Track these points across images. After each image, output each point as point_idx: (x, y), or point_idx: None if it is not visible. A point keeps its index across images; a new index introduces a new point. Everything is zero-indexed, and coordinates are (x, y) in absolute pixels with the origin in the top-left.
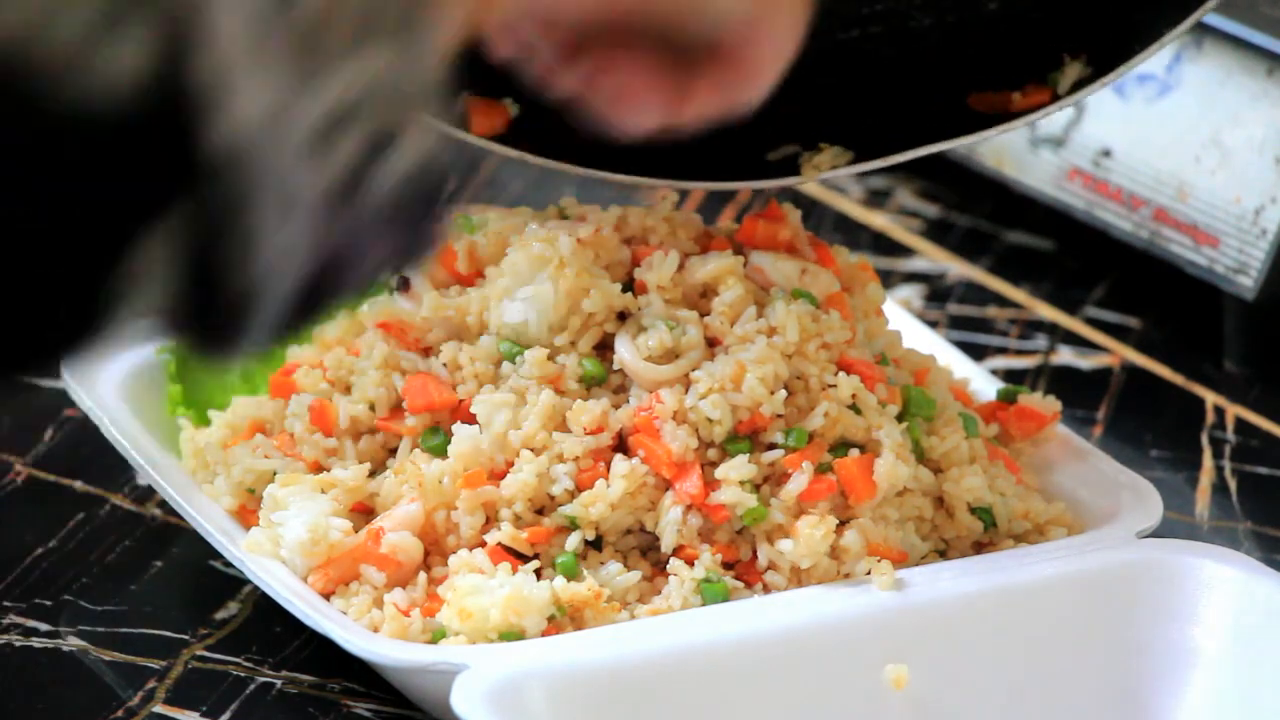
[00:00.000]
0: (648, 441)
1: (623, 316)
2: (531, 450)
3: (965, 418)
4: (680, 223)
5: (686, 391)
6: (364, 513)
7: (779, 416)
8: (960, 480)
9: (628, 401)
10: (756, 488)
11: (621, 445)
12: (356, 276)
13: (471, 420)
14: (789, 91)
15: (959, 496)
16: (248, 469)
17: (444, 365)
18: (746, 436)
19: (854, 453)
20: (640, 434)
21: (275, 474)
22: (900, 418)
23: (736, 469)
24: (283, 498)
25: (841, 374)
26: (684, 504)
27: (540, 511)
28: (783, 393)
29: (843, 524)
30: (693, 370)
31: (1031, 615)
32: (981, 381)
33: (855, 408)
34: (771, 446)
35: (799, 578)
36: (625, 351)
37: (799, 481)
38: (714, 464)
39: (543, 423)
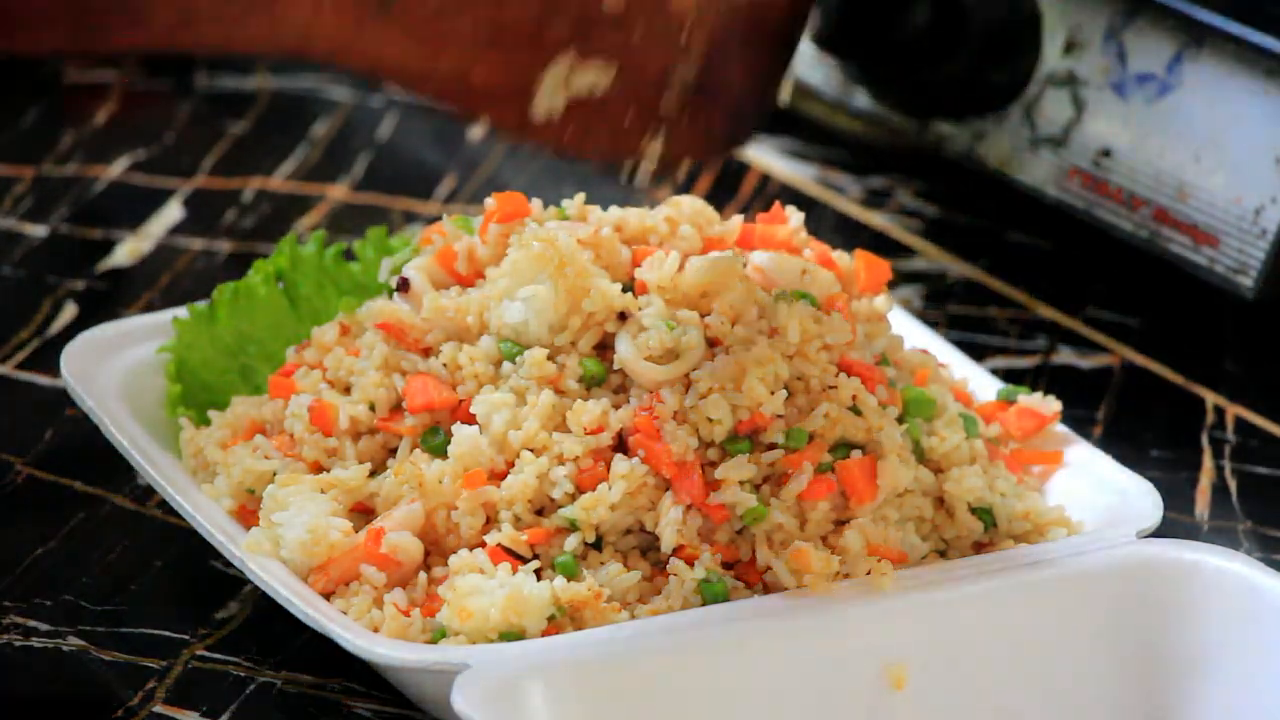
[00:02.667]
0: (648, 441)
1: (623, 317)
2: (531, 451)
3: (965, 418)
4: (688, 215)
5: (687, 392)
6: (364, 513)
7: (779, 417)
8: (961, 480)
9: (628, 402)
10: (756, 488)
11: (621, 445)
12: None
13: (472, 420)
14: None
15: (959, 497)
16: (247, 470)
17: (444, 365)
18: (747, 437)
19: (855, 454)
20: (640, 434)
21: (275, 474)
22: (900, 419)
23: (736, 469)
24: (283, 498)
25: (842, 375)
26: (684, 504)
27: (540, 512)
28: (783, 393)
29: (842, 524)
30: (693, 370)
31: (1031, 615)
32: (981, 381)
33: (856, 409)
34: (772, 447)
35: (799, 578)
36: (626, 351)
37: (799, 481)
38: (714, 464)
39: (542, 423)
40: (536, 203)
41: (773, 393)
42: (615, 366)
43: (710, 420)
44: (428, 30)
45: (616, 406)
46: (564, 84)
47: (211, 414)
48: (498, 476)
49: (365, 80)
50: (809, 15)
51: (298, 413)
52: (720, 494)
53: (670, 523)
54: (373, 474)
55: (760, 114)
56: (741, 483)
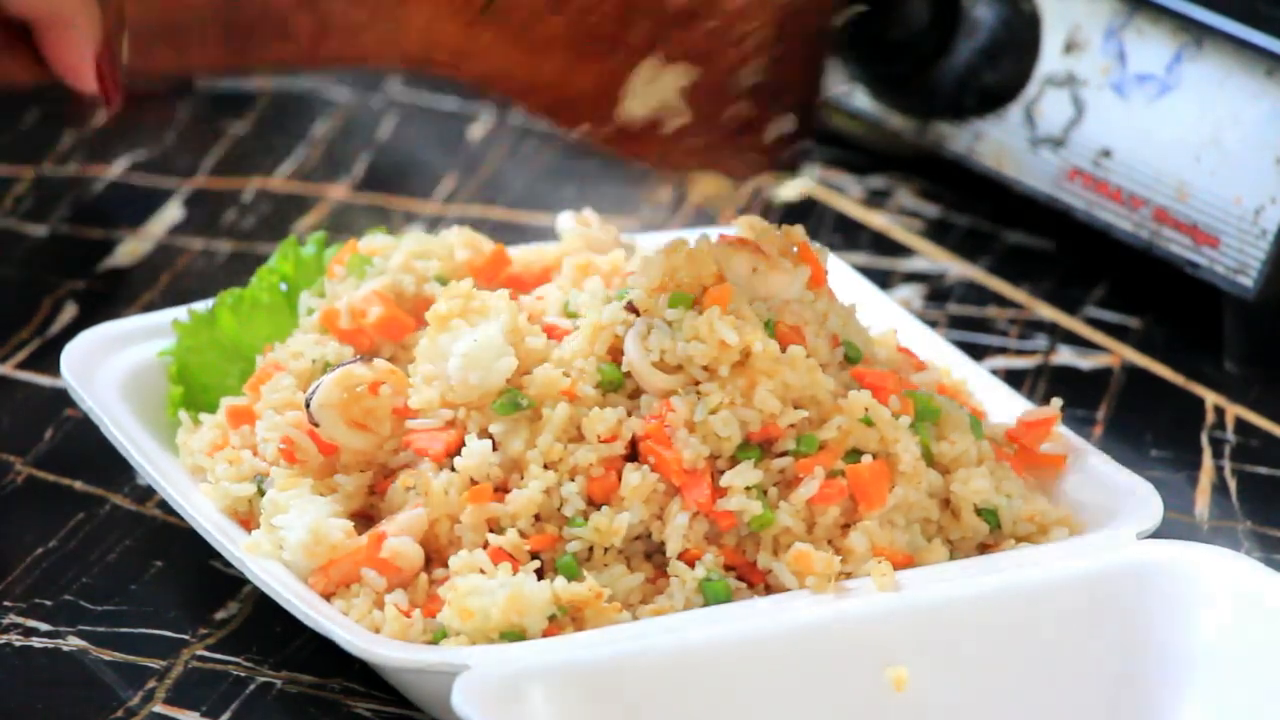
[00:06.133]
0: (658, 448)
1: (634, 310)
2: (545, 465)
3: (971, 420)
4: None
5: (699, 398)
6: (366, 518)
7: (791, 426)
8: (968, 482)
9: (640, 408)
10: (764, 493)
11: (633, 453)
12: None
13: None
14: None
15: (965, 498)
16: (228, 494)
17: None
18: (758, 445)
19: (866, 458)
20: (651, 440)
21: (260, 491)
22: (911, 424)
23: (743, 475)
24: (283, 502)
25: (852, 391)
26: (690, 510)
27: (538, 517)
28: (801, 412)
29: (848, 527)
30: (701, 378)
31: (1032, 616)
32: (981, 382)
33: (868, 420)
34: (783, 454)
35: (801, 579)
36: (634, 354)
37: (811, 486)
38: (724, 472)
39: (557, 436)
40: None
41: (792, 405)
42: (625, 369)
43: (719, 436)
44: (528, 34)
45: (630, 413)
46: (648, 88)
47: (203, 417)
48: (504, 489)
49: (419, 75)
50: (837, 25)
51: (269, 437)
52: (727, 500)
53: (676, 529)
54: (371, 490)
55: (813, 119)
56: (747, 488)
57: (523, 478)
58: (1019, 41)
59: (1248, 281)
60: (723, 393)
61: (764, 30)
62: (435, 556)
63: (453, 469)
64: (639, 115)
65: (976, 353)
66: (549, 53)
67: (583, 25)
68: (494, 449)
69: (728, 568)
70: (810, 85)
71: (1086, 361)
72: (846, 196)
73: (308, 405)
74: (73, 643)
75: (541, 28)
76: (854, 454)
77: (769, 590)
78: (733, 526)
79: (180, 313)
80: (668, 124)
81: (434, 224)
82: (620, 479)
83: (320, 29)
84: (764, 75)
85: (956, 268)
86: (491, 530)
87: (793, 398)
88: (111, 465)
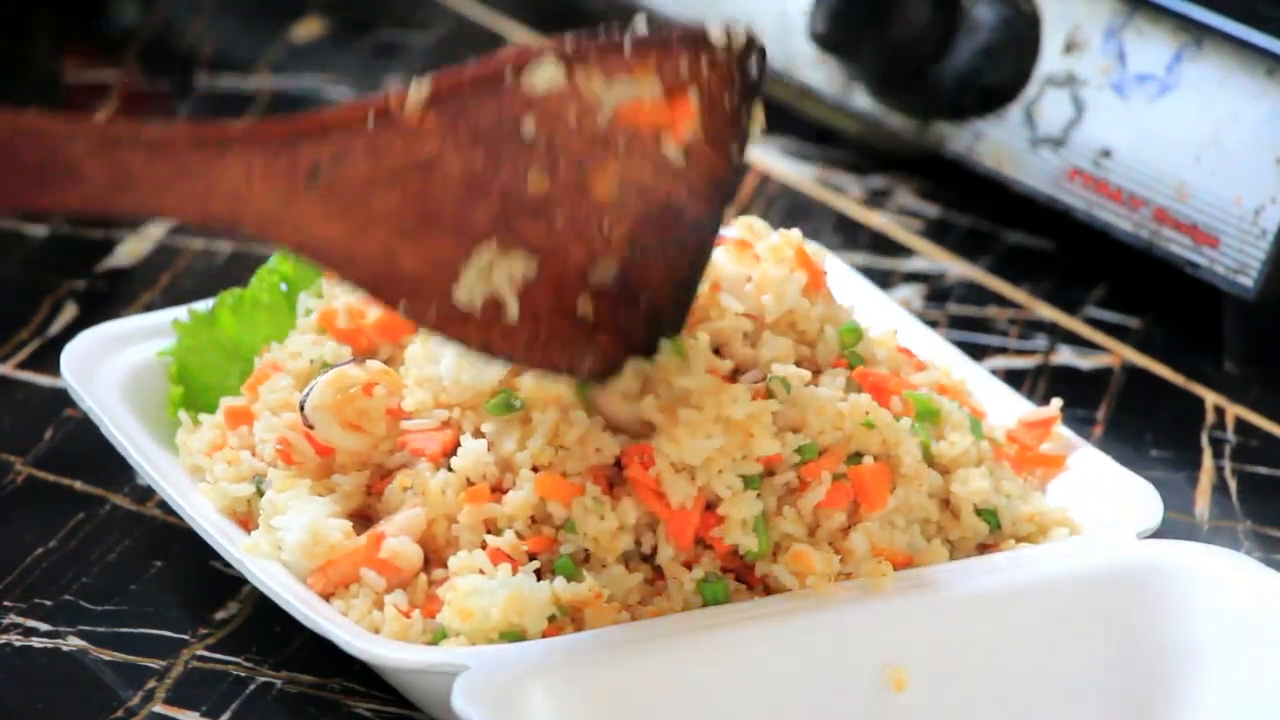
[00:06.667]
0: (644, 490)
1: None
2: (534, 468)
3: (970, 420)
4: None
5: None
6: (364, 519)
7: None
8: (968, 482)
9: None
10: (762, 514)
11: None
12: None
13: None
14: None
15: (965, 498)
16: (226, 495)
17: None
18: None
19: (867, 460)
20: (635, 482)
21: (259, 491)
22: (912, 425)
23: (740, 506)
24: (282, 503)
25: (853, 394)
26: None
27: (535, 519)
28: (792, 436)
29: (848, 527)
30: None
31: (1032, 615)
32: (981, 382)
33: (869, 423)
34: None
35: (800, 579)
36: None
37: (818, 492)
38: (719, 499)
39: (548, 440)
40: None
41: (794, 431)
42: None
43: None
44: (356, 207)
45: None
46: (486, 276)
47: (203, 417)
48: (500, 490)
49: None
50: (721, 223)
51: (267, 438)
52: (722, 530)
53: (666, 553)
54: (368, 490)
55: (675, 322)
56: (744, 521)
57: (515, 479)
58: (1019, 41)
59: (1248, 281)
60: (714, 440)
61: (624, 225)
62: (433, 557)
63: (449, 469)
64: (471, 302)
65: (976, 353)
66: (374, 229)
67: (418, 204)
68: (488, 449)
69: (725, 569)
70: (679, 284)
71: (1086, 361)
72: (846, 196)
73: (302, 407)
74: (73, 643)
75: (371, 203)
76: (855, 456)
77: (768, 590)
78: (728, 551)
79: (180, 313)
80: (507, 313)
81: None
82: (610, 485)
83: (116, 180)
84: (620, 272)
85: (956, 268)
86: (489, 531)
87: (791, 422)
88: (111, 465)
